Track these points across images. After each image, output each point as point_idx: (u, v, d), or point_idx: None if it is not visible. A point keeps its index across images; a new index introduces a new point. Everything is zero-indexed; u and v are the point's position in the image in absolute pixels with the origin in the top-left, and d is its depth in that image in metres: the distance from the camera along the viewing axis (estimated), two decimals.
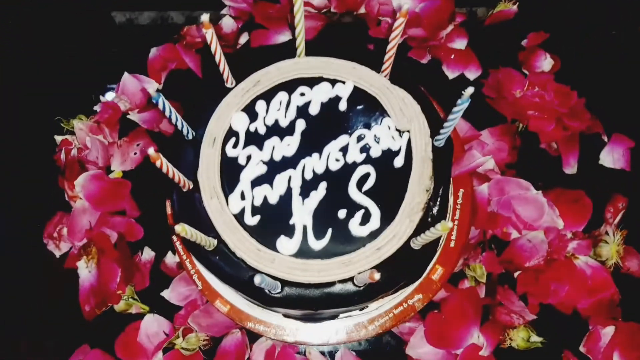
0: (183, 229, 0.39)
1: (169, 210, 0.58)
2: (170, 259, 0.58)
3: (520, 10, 0.67)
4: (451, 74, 0.65)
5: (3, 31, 0.71)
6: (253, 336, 0.55)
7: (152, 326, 0.55)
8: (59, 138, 0.62)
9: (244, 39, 0.68)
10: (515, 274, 0.54)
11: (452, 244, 0.56)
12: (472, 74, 0.65)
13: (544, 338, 0.53)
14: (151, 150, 0.40)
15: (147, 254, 0.58)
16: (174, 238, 0.57)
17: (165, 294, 0.56)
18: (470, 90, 0.41)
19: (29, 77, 0.69)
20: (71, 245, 0.58)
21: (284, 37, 0.68)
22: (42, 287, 0.58)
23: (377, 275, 0.39)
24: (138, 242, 0.58)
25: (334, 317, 0.54)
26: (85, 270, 0.56)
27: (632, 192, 0.58)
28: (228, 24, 0.68)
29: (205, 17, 0.44)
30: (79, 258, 0.56)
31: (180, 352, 0.53)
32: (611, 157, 0.61)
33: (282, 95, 0.53)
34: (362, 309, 0.54)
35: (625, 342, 0.53)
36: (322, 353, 0.55)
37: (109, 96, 0.65)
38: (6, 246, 0.61)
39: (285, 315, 0.54)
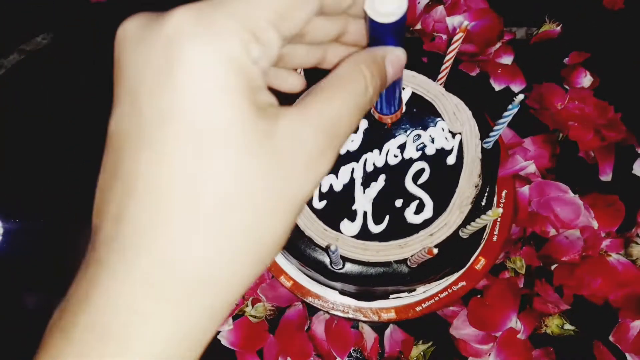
0: None
1: None
2: None
3: (563, 31, 0.73)
4: (497, 87, 0.71)
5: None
6: (312, 310, 0.61)
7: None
8: None
9: None
10: (552, 268, 0.59)
11: (494, 239, 0.61)
12: (517, 87, 0.70)
13: (576, 327, 0.57)
14: None
15: None
16: None
17: None
18: (520, 96, 0.46)
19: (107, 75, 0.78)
20: None
21: None
22: None
23: (435, 250, 0.44)
24: None
25: (386, 296, 0.60)
26: None
27: None
28: None
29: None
30: None
31: (249, 319, 0.59)
32: None
33: None
34: (411, 291, 0.60)
35: None
36: (373, 329, 0.61)
37: None
38: (87, 223, 0.68)
39: (342, 292, 0.60)
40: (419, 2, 0.72)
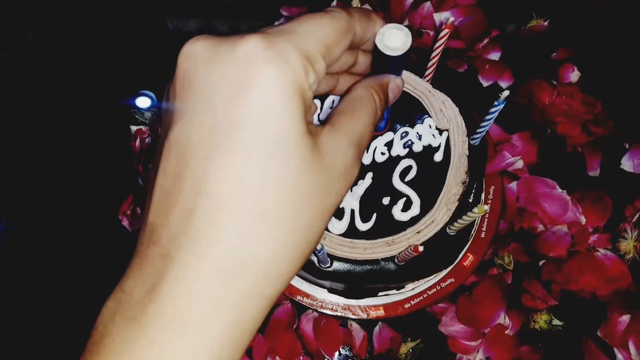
0: None
1: None
2: None
3: (551, 27, 0.72)
4: (485, 83, 0.70)
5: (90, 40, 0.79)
6: (301, 308, 0.60)
7: None
8: (134, 128, 0.69)
9: None
10: (540, 263, 0.59)
11: (482, 235, 0.61)
12: (504, 84, 0.70)
13: (564, 322, 0.57)
14: None
15: None
16: None
17: None
18: (506, 92, 0.46)
19: (107, 76, 0.77)
20: None
21: None
22: (115, 256, 0.65)
23: (421, 248, 0.44)
24: None
25: (374, 294, 0.59)
26: None
27: None
28: None
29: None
30: None
31: None
32: (631, 163, 0.64)
33: (333, 96, 0.59)
34: (400, 288, 0.59)
35: None
36: (362, 326, 0.60)
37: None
38: (87, 222, 0.67)
39: (330, 290, 0.59)
40: None
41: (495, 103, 0.47)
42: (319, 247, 0.45)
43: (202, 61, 0.24)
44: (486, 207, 0.43)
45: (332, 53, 0.26)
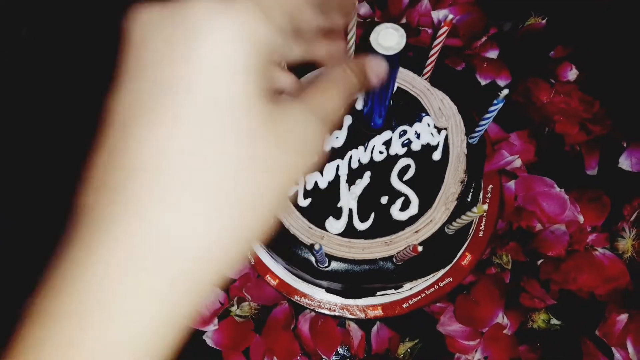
0: None
1: None
2: None
3: (549, 25, 0.72)
4: (483, 81, 0.69)
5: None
6: (299, 309, 0.59)
7: (210, 297, 0.60)
8: None
9: None
10: (538, 262, 0.58)
11: (480, 234, 0.60)
12: (502, 82, 0.69)
13: (562, 322, 0.57)
14: None
15: None
16: None
17: None
18: (505, 91, 0.45)
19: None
20: None
21: None
22: None
23: (420, 248, 0.43)
24: None
25: (372, 294, 0.59)
26: None
27: None
28: None
29: None
30: None
31: (234, 318, 0.58)
32: (629, 161, 0.64)
33: None
34: (398, 288, 0.59)
35: (638, 330, 0.56)
36: (360, 326, 0.60)
37: None
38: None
39: (328, 290, 0.59)
40: None
41: (495, 102, 0.47)
42: (317, 247, 0.44)
43: (149, 22, 0.21)
44: (485, 207, 0.43)
45: (296, 7, 0.23)
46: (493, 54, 0.69)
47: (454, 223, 0.50)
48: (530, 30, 0.71)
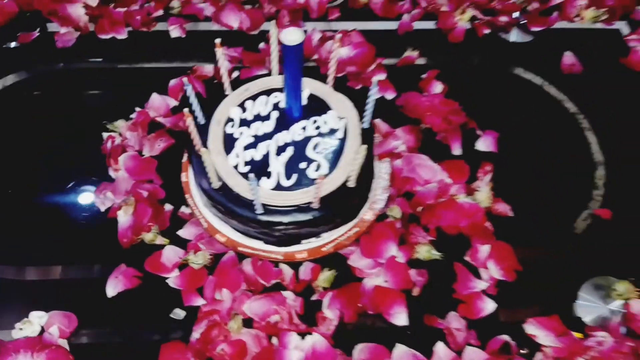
0: (206, 153, 0.63)
1: (183, 179, 0.82)
2: (184, 210, 0.80)
3: (421, 55, 0.99)
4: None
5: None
6: (242, 257, 0.76)
7: (171, 253, 0.75)
8: (105, 134, 0.86)
9: (235, 74, 0.96)
10: (419, 209, 0.79)
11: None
12: (389, 95, 0.94)
13: (440, 252, 0.76)
14: (186, 110, 0.65)
15: (167, 207, 0.80)
16: (187, 196, 0.80)
17: (181, 232, 0.78)
18: (375, 79, 0.68)
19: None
20: (113, 202, 0.80)
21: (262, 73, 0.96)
22: (91, 230, 0.80)
23: (324, 176, 0.63)
24: (161, 200, 0.81)
25: (298, 242, 0.76)
26: (124, 217, 0.77)
27: (496, 163, 0.85)
28: (224, 65, 0.96)
29: (217, 40, 0.71)
30: (119, 209, 0.78)
31: (191, 267, 0.74)
32: (483, 144, 0.88)
33: (263, 97, 0.79)
34: (318, 236, 0.77)
35: (497, 256, 0.76)
36: (290, 267, 0.77)
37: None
38: (66, 206, 0.82)
39: (265, 242, 0.76)
40: (313, 39, 0.96)
41: (371, 88, 0.69)
42: (251, 176, 0.63)
43: None
44: (365, 147, 0.64)
45: None
46: (382, 77, 0.94)
47: (351, 177, 0.70)
48: (406, 60, 0.97)
